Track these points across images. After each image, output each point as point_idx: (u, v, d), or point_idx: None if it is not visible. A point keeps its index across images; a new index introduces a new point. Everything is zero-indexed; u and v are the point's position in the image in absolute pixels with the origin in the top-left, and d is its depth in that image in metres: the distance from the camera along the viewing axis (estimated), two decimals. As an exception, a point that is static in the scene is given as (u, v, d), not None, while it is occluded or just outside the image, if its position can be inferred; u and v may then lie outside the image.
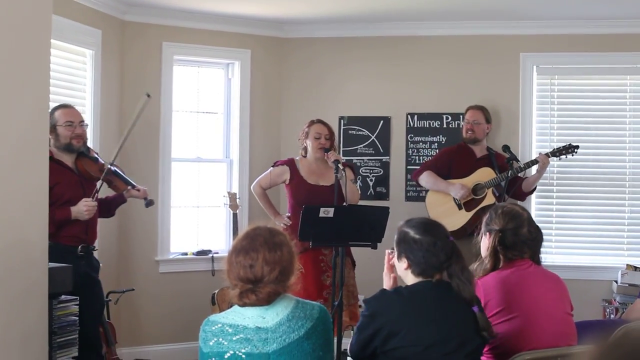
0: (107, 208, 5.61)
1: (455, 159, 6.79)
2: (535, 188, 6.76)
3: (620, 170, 7.18)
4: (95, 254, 5.55)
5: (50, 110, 5.18)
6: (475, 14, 6.98)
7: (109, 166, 5.35)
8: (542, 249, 3.89)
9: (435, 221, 3.47)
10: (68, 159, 5.29)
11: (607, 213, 7.22)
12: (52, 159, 5.06)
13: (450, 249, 3.32)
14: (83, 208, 5.16)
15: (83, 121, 5.39)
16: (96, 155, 5.45)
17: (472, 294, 3.30)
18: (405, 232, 3.39)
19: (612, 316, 6.63)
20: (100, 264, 5.69)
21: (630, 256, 7.06)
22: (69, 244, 5.19)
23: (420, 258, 3.32)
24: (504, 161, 6.66)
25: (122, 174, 5.49)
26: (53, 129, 5.16)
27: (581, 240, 7.28)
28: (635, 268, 6.77)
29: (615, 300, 6.74)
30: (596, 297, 6.91)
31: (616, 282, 6.80)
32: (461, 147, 6.88)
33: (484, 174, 6.58)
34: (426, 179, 6.77)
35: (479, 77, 7.31)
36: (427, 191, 6.88)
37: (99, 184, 5.32)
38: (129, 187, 5.48)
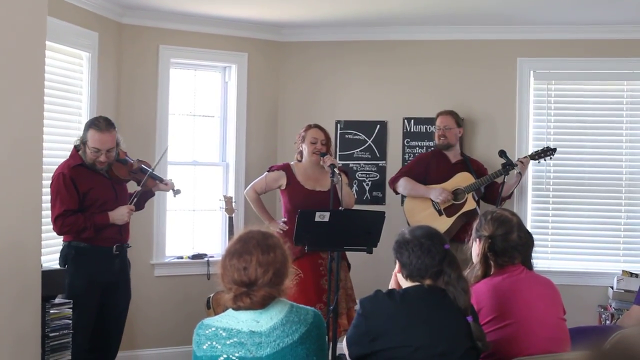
0: (137, 203, 5.76)
1: (431, 164, 6.78)
2: (512, 193, 6.75)
3: (616, 175, 7.17)
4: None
5: (89, 121, 5.49)
6: (472, 18, 6.98)
7: (138, 165, 5.64)
8: (537, 255, 3.89)
9: (434, 229, 3.46)
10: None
11: (603, 219, 7.20)
12: (84, 165, 5.36)
13: (442, 256, 3.32)
14: (125, 211, 5.47)
15: (112, 148, 5.46)
16: (126, 157, 5.64)
17: (467, 303, 3.30)
18: (402, 234, 3.41)
19: (607, 322, 6.62)
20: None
21: (626, 262, 7.05)
22: (105, 245, 5.46)
23: (406, 259, 3.35)
24: (479, 165, 6.71)
25: (150, 170, 5.72)
26: (83, 144, 5.40)
27: (577, 246, 7.26)
28: (631, 274, 6.76)
29: (610, 306, 6.73)
30: (592, 303, 6.90)
31: (612, 288, 6.79)
32: (436, 153, 6.89)
33: (463, 179, 6.57)
34: (404, 185, 6.75)
35: (476, 82, 7.30)
36: (404, 197, 6.86)
37: (129, 185, 5.69)
38: (157, 182, 5.73)
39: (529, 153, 6.71)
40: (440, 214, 6.55)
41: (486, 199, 6.68)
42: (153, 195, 5.92)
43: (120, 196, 5.57)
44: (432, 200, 6.59)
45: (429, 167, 6.75)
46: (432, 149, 7.03)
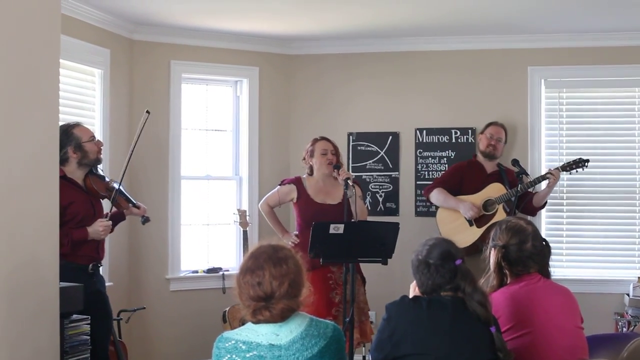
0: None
1: (466, 174, 6.76)
2: (546, 203, 6.74)
3: (630, 182, 7.16)
4: (103, 271, 5.62)
5: (61, 131, 5.23)
6: (483, 28, 6.99)
7: (114, 184, 5.41)
8: (552, 263, 3.88)
9: (444, 244, 3.46)
10: (79, 177, 5.31)
11: (618, 226, 7.19)
12: (66, 178, 5.16)
13: (452, 273, 3.33)
14: (100, 228, 5.24)
15: None
16: (102, 173, 5.50)
17: (488, 315, 3.31)
18: (417, 253, 3.46)
19: (624, 329, 6.60)
20: (112, 283, 5.69)
21: (642, 269, 7.05)
22: (82, 263, 5.24)
23: (418, 279, 3.42)
24: (514, 176, 6.65)
25: (125, 192, 5.55)
26: (79, 147, 5.24)
27: (592, 254, 7.25)
28: (647, 281, 6.75)
29: (627, 313, 6.71)
30: (608, 311, 6.88)
31: (628, 295, 6.77)
32: (472, 163, 6.86)
33: (494, 190, 6.56)
34: (437, 196, 6.73)
35: (487, 92, 7.31)
36: (437, 207, 6.85)
37: (106, 202, 5.36)
38: (130, 205, 5.53)
39: (561, 164, 6.65)
40: (470, 224, 6.54)
41: (523, 210, 6.66)
42: (124, 219, 5.67)
43: (99, 212, 5.38)
44: None
45: (464, 177, 6.74)
46: (470, 158, 6.97)
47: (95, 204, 5.36)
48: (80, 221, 5.21)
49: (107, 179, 5.47)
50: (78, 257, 5.20)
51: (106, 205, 5.49)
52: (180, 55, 7.15)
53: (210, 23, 6.85)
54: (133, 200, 5.57)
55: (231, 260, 7.42)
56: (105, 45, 6.54)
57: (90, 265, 5.30)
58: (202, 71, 7.33)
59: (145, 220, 5.61)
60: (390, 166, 7.48)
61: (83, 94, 6.37)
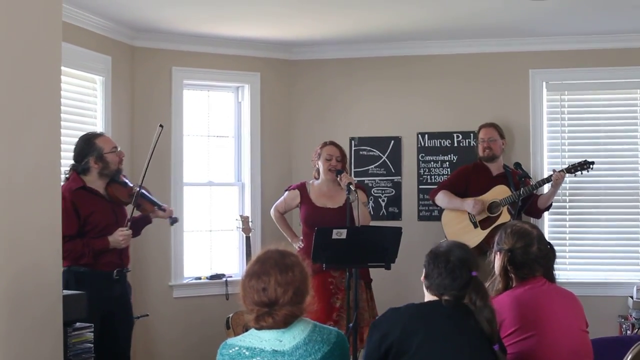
0: (134, 229, 5.64)
1: (471, 177, 6.76)
2: (551, 205, 6.72)
3: (633, 185, 7.15)
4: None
5: (84, 140, 5.32)
6: (484, 31, 6.98)
7: (138, 189, 5.42)
8: (555, 266, 3.87)
9: (470, 254, 3.41)
10: (100, 186, 5.33)
11: (620, 228, 7.18)
12: (85, 188, 5.22)
13: (465, 282, 3.29)
14: (120, 238, 5.26)
15: None
16: (125, 180, 5.50)
17: (493, 333, 3.26)
18: (439, 245, 3.42)
19: (628, 332, 6.59)
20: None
21: (646, 271, 7.03)
22: (106, 269, 5.29)
23: (430, 271, 3.36)
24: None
25: (149, 195, 5.58)
26: (100, 158, 5.26)
27: (595, 256, 7.24)
28: (651, 283, 6.74)
29: (631, 316, 6.69)
30: (612, 314, 6.86)
31: (632, 297, 6.76)
32: (477, 166, 6.86)
33: (499, 192, 6.55)
34: (441, 198, 6.75)
35: (489, 95, 7.30)
36: (440, 211, 6.85)
37: (128, 209, 5.41)
38: (155, 208, 5.56)
39: (565, 166, 6.61)
40: (475, 226, 6.54)
41: (527, 212, 6.65)
42: (150, 222, 5.73)
43: (121, 220, 5.40)
44: (468, 213, 6.59)
45: (469, 180, 6.74)
46: (476, 161, 6.98)
47: (117, 212, 5.38)
48: (102, 230, 5.25)
49: (130, 185, 5.48)
50: (101, 264, 5.25)
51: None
52: (182, 61, 7.15)
53: (211, 29, 6.85)
54: (158, 203, 5.59)
55: (234, 266, 7.42)
56: (107, 52, 6.54)
57: (115, 271, 5.33)
58: (204, 77, 7.33)
59: (174, 221, 5.68)
60: (393, 170, 7.47)
61: (84, 101, 6.37)
